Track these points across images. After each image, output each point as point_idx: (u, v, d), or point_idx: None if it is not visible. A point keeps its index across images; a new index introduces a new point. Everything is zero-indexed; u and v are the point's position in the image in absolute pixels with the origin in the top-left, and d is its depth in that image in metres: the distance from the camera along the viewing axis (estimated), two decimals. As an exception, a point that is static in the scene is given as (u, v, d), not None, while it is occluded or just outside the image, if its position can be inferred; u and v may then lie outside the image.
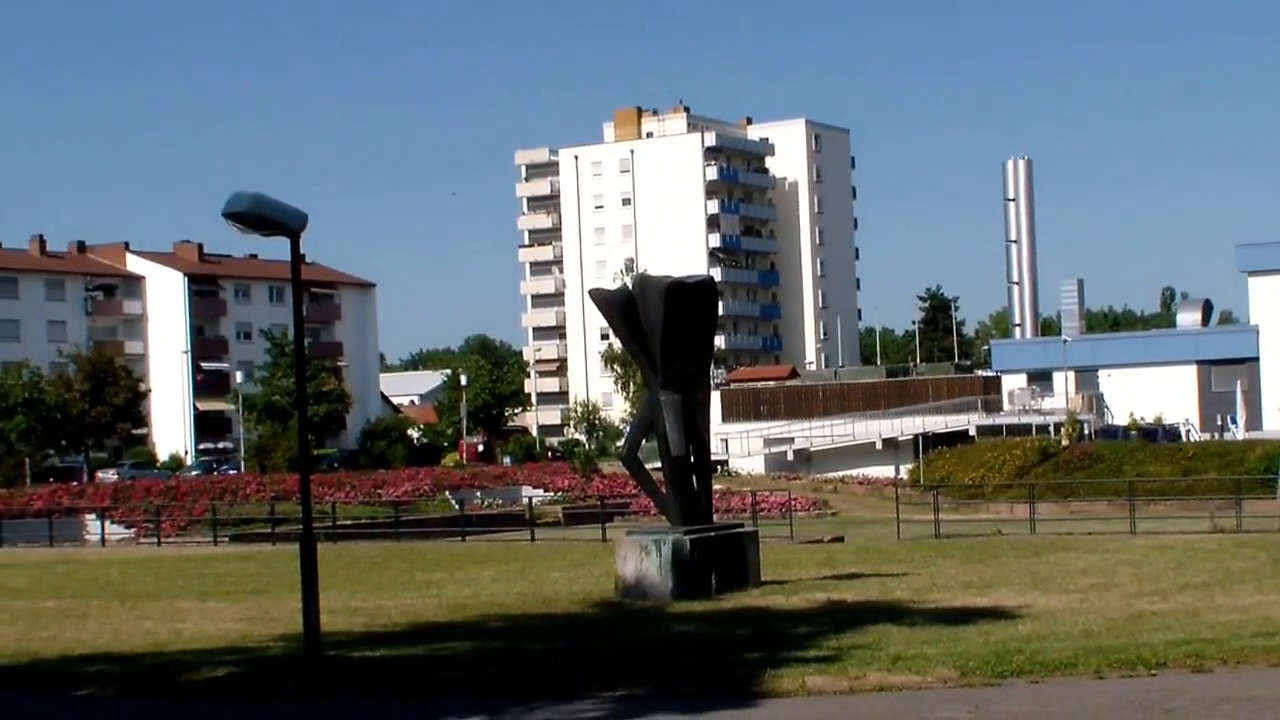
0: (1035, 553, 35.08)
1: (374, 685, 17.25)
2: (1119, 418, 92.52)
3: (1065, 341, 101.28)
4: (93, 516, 68.02)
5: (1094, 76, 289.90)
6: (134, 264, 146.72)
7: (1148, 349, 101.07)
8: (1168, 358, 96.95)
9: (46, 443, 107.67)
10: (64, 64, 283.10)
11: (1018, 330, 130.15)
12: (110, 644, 22.01)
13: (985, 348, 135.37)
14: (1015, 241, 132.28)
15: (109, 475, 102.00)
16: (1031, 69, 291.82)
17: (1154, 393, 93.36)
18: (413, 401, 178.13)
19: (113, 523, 66.75)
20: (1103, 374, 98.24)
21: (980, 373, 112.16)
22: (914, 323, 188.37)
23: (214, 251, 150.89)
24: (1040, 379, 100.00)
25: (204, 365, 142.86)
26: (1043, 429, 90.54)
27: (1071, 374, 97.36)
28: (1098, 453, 77.98)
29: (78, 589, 33.33)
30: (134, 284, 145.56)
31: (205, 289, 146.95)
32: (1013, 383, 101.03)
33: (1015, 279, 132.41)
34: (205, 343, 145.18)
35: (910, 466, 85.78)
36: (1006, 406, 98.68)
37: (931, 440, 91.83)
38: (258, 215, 16.93)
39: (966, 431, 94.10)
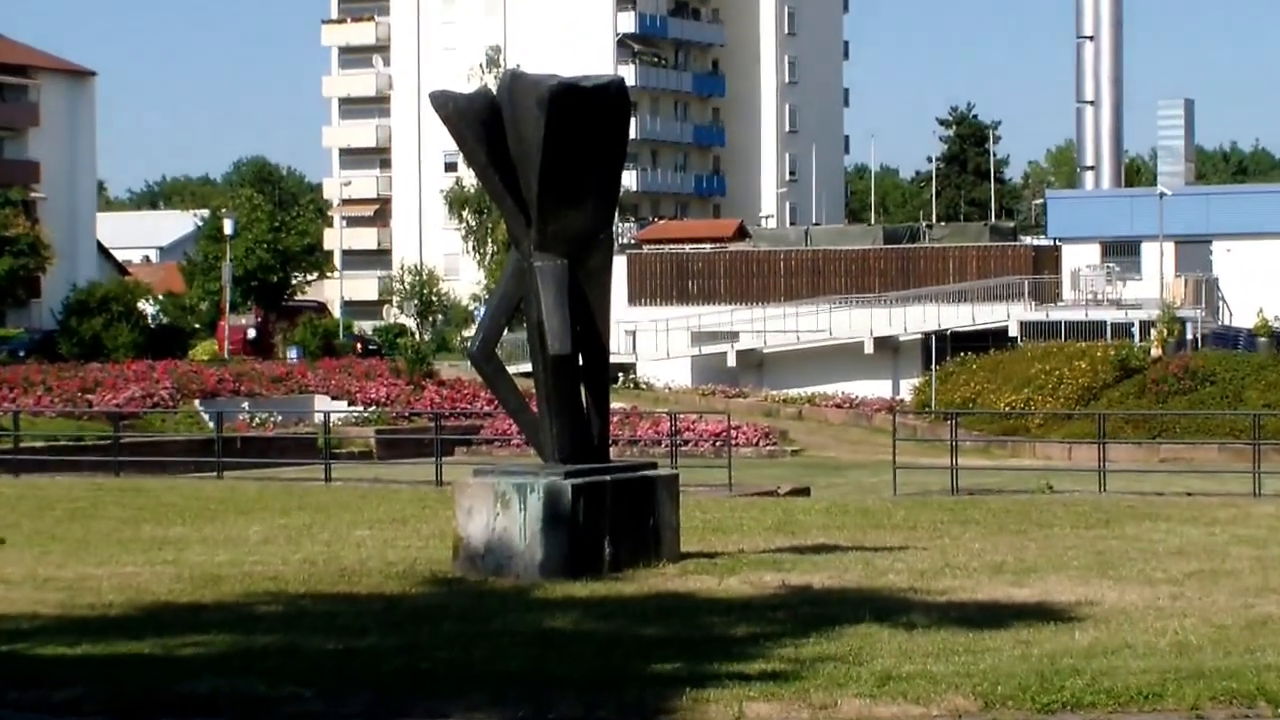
0: (1105, 521, 35.30)
1: (67, 701, 17.11)
2: (1240, 317, 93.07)
3: (1163, 195, 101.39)
4: None
5: None
6: None
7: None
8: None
9: None
10: None
11: (1089, 175, 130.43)
12: None
13: (1038, 201, 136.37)
14: (1091, 37, 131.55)
15: None
16: None
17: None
18: (147, 258, 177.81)
19: None
20: (1218, 247, 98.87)
21: (1029, 240, 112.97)
22: (930, 159, 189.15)
23: None
24: (1122, 253, 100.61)
25: None
26: (1122, 329, 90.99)
27: (1171, 246, 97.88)
28: (1207, 369, 78.28)
29: None
30: None
31: None
32: (1079, 257, 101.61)
33: (1089, 96, 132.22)
34: None
35: (916, 382, 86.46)
36: (1068, 294, 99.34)
37: (950, 343, 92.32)
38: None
39: (1005, 330, 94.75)
